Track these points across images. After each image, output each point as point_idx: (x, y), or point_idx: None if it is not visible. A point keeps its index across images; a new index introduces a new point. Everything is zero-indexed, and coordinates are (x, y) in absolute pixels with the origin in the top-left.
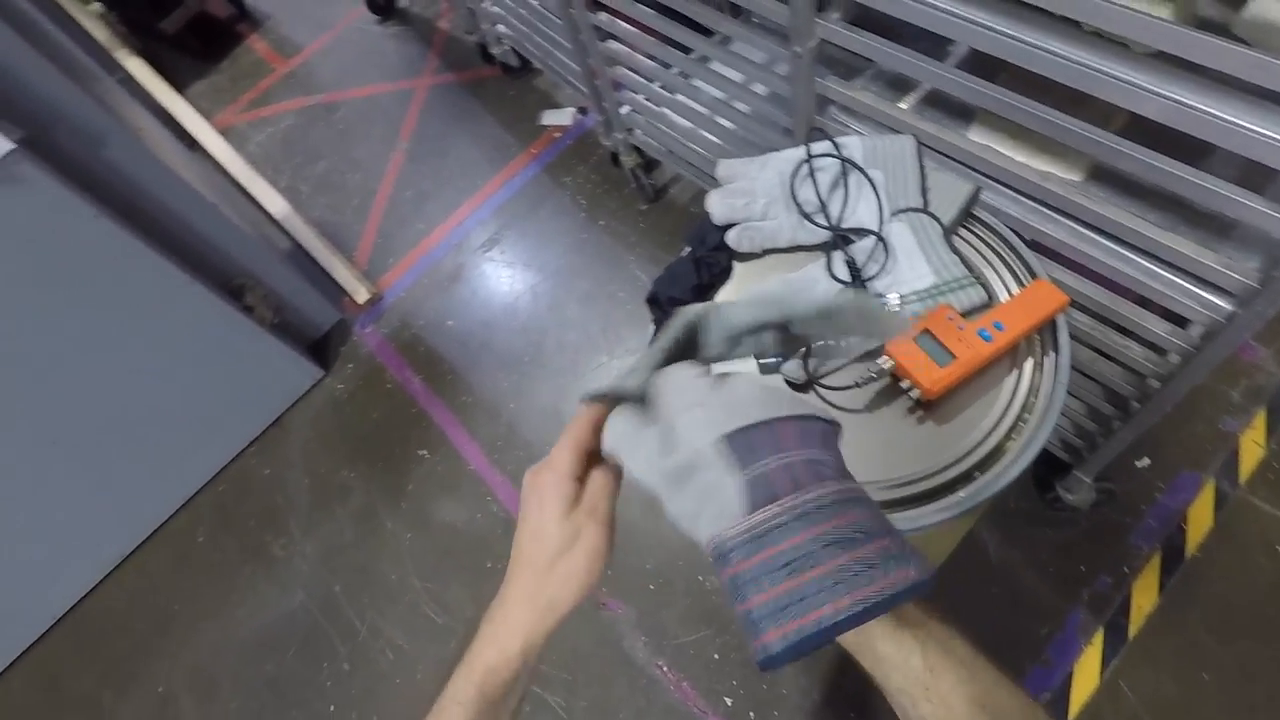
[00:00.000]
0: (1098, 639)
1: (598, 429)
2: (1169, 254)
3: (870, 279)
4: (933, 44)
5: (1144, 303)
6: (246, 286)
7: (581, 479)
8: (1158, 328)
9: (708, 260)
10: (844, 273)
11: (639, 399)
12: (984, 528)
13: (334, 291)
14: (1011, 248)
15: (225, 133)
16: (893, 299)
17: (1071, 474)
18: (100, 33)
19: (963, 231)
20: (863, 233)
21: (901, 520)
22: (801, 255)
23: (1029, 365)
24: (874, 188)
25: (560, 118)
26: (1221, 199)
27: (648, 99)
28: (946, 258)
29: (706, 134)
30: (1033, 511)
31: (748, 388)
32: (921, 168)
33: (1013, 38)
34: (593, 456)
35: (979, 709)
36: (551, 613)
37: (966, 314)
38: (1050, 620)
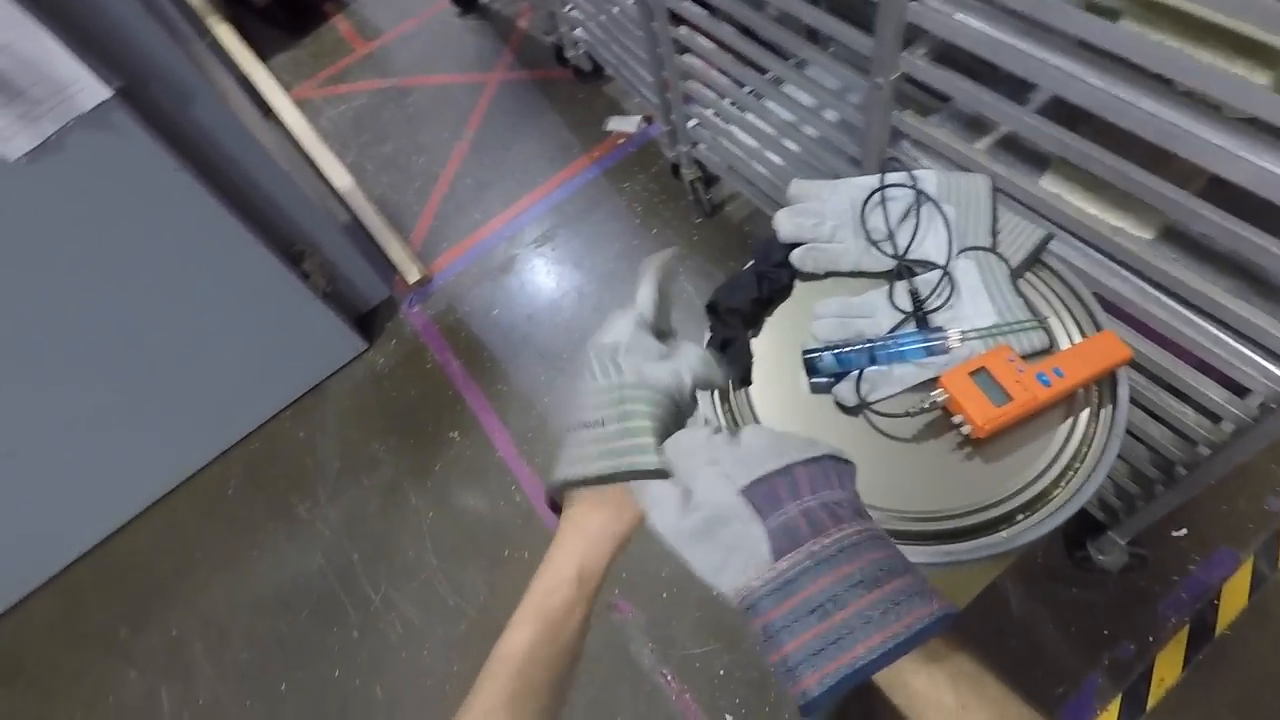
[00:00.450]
0: (1114, 706)
1: None
2: (1237, 321)
3: (932, 312)
4: (1015, 88)
5: (1204, 368)
6: (305, 253)
7: None
8: (1216, 395)
9: (770, 275)
10: (906, 303)
11: (659, 474)
12: (1008, 579)
13: (386, 268)
14: (1078, 296)
15: (300, 105)
16: (953, 334)
17: (1105, 535)
18: None
19: (1030, 276)
20: (928, 265)
21: (938, 554)
22: (863, 281)
23: (1084, 415)
24: (945, 222)
25: (626, 125)
26: None
27: (716, 115)
28: (1011, 299)
29: (771, 155)
30: (1060, 568)
31: (758, 439)
32: (994, 208)
33: (1103, 90)
34: None
35: None
36: (605, 541)
37: (1027, 357)
38: (1067, 681)
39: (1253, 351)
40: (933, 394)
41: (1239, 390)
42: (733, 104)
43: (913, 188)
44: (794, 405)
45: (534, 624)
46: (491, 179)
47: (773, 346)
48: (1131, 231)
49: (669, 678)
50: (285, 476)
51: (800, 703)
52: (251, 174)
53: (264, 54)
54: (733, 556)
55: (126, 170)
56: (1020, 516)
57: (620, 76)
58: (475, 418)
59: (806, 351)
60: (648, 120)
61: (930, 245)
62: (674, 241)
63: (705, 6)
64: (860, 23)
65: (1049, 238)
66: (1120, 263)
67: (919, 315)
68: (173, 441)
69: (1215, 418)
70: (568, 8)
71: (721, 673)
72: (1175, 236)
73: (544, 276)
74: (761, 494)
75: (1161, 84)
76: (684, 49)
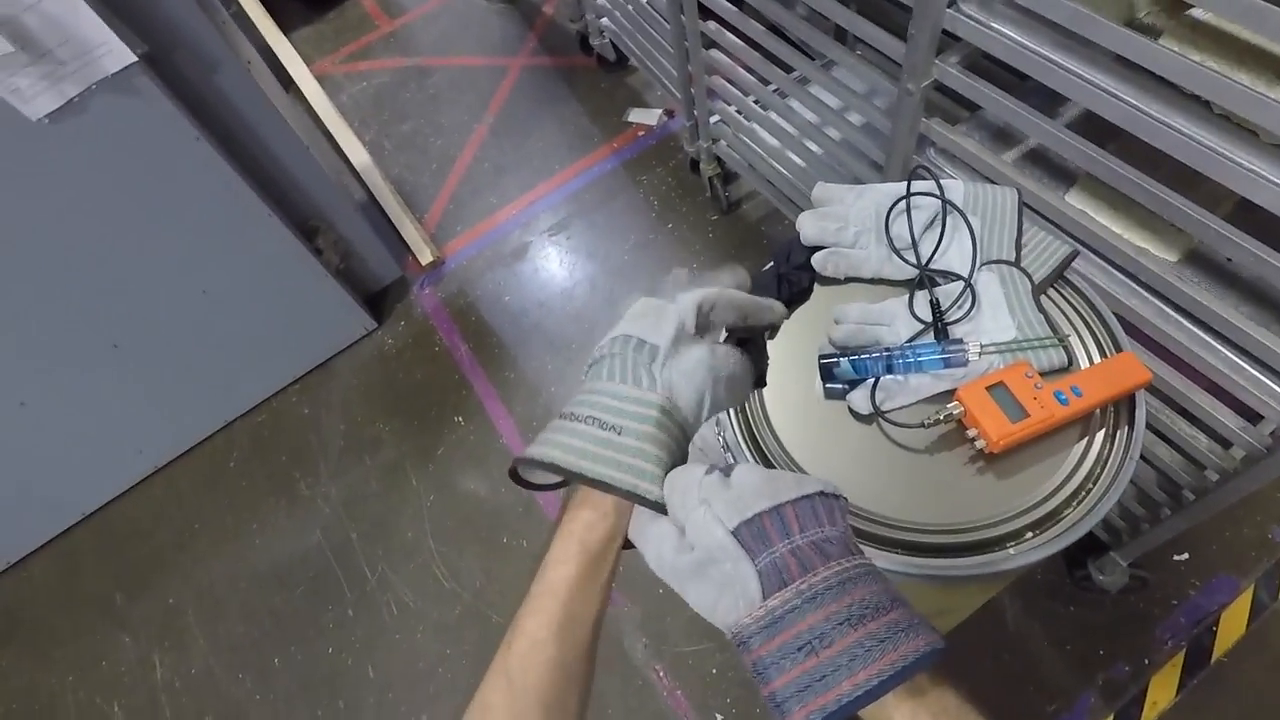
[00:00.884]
0: None
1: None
2: (1257, 348)
3: (952, 323)
4: (1046, 100)
5: (1218, 392)
6: (320, 229)
7: None
8: (1229, 420)
9: (790, 277)
10: (925, 313)
11: (658, 508)
12: (1006, 594)
13: (399, 249)
14: (1100, 316)
15: (321, 80)
16: (972, 347)
17: (1107, 555)
18: None
19: (1052, 293)
20: (950, 276)
21: (943, 568)
22: (884, 288)
23: (1100, 436)
24: (970, 234)
25: (647, 117)
26: None
27: (739, 111)
28: (1032, 315)
29: (793, 156)
30: (1058, 586)
31: (750, 478)
32: (1020, 222)
33: (1138, 108)
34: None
35: None
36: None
37: (1045, 374)
38: (1060, 699)
39: (1270, 379)
40: (948, 406)
41: (1252, 417)
42: (757, 102)
43: (940, 197)
44: (807, 410)
45: (578, 559)
46: (509, 164)
47: (789, 349)
48: (1156, 253)
49: (661, 674)
50: (288, 451)
51: None
52: (270, 147)
53: (288, 27)
54: (725, 594)
55: (146, 136)
56: (1029, 534)
57: (644, 68)
58: (480, 403)
59: (823, 356)
60: (669, 114)
61: (953, 256)
62: (689, 238)
63: (735, 2)
64: (891, 26)
65: (1073, 255)
66: (1142, 283)
67: (938, 326)
68: (178, 409)
69: (1226, 443)
70: None
71: (714, 672)
72: (1199, 260)
73: (557, 265)
74: (752, 534)
75: (1198, 104)
76: (711, 44)
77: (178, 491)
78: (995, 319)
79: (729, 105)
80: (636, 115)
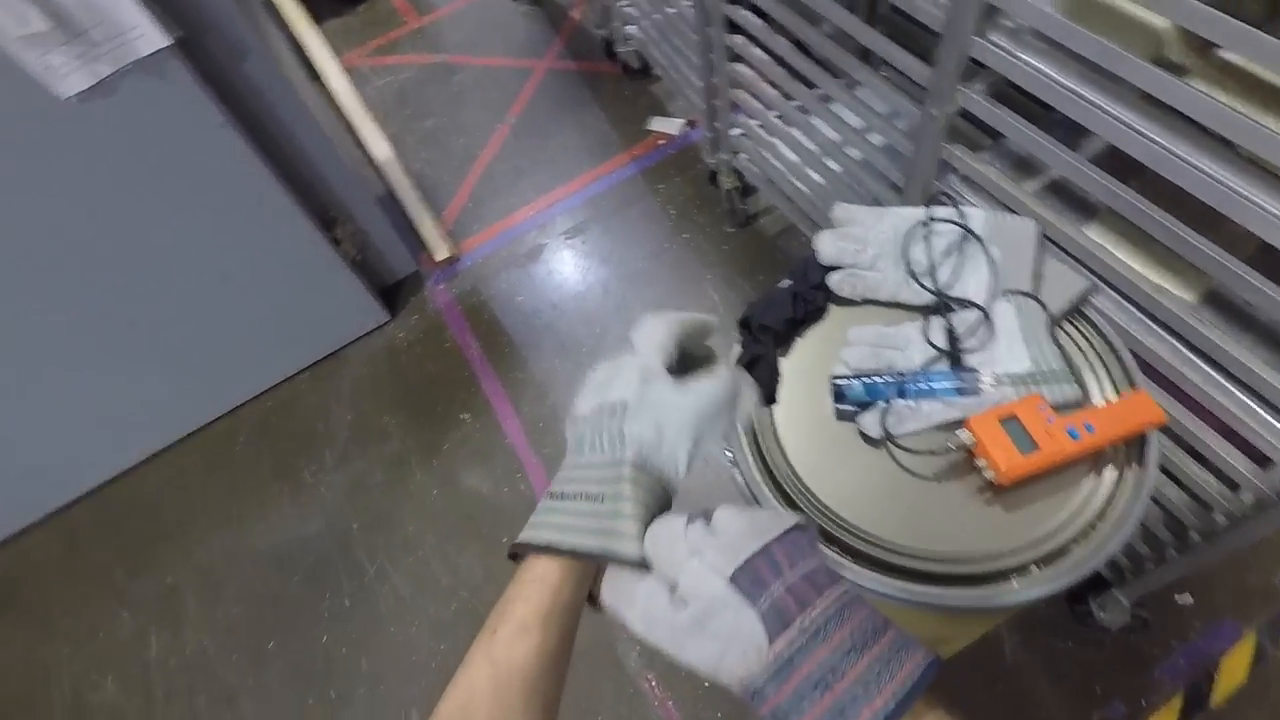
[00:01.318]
0: None
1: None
2: (1272, 393)
3: (967, 352)
4: (1070, 133)
5: (1230, 435)
6: (339, 220)
7: None
8: (1240, 464)
9: (806, 296)
10: (941, 340)
11: (639, 565)
12: (1005, 626)
13: (415, 244)
14: (1115, 353)
15: (348, 73)
16: (986, 377)
17: (1109, 592)
18: None
19: (1068, 326)
20: (967, 305)
21: (946, 597)
22: (899, 312)
23: (1109, 473)
24: (989, 263)
25: (668, 126)
26: None
27: (761, 126)
28: (1047, 348)
29: (812, 173)
30: (1058, 621)
31: (734, 522)
32: (1039, 254)
33: (1163, 146)
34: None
35: None
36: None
37: (1058, 408)
38: None
39: None
40: (959, 435)
41: (1263, 462)
42: (779, 117)
43: (960, 225)
44: (817, 430)
45: (562, 559)
46: (528, 166)
47: (801, 368)
48: (1174, 292)
49: (653, 683)
50: (294, 438)
51: None
52: (295, 136)
53: (318, 18)
54: (731, 647)
55: (173, 119)
56: (1034, 569)
57: (668, 77)
58: (488, 401)
59: (835, 377)
60: (690, 124)
61: (970, 284)
62: (704, 249)
63: (762, 17)
64: (917, 50)
65: (1091, 289)
66: (1159, 322)
67: (953, 354)
68: (187, 390)
69: (1235, 486)
70: (622, 3)
71: (706, 685)
72: (1218, 301)
73: (571, 268)
74: (748, 579)
75: (1224, 145)
76: (736, 57)
77: (183, 471)
78: (1010, 350)
79: (751, 119)
80: (658, 124)
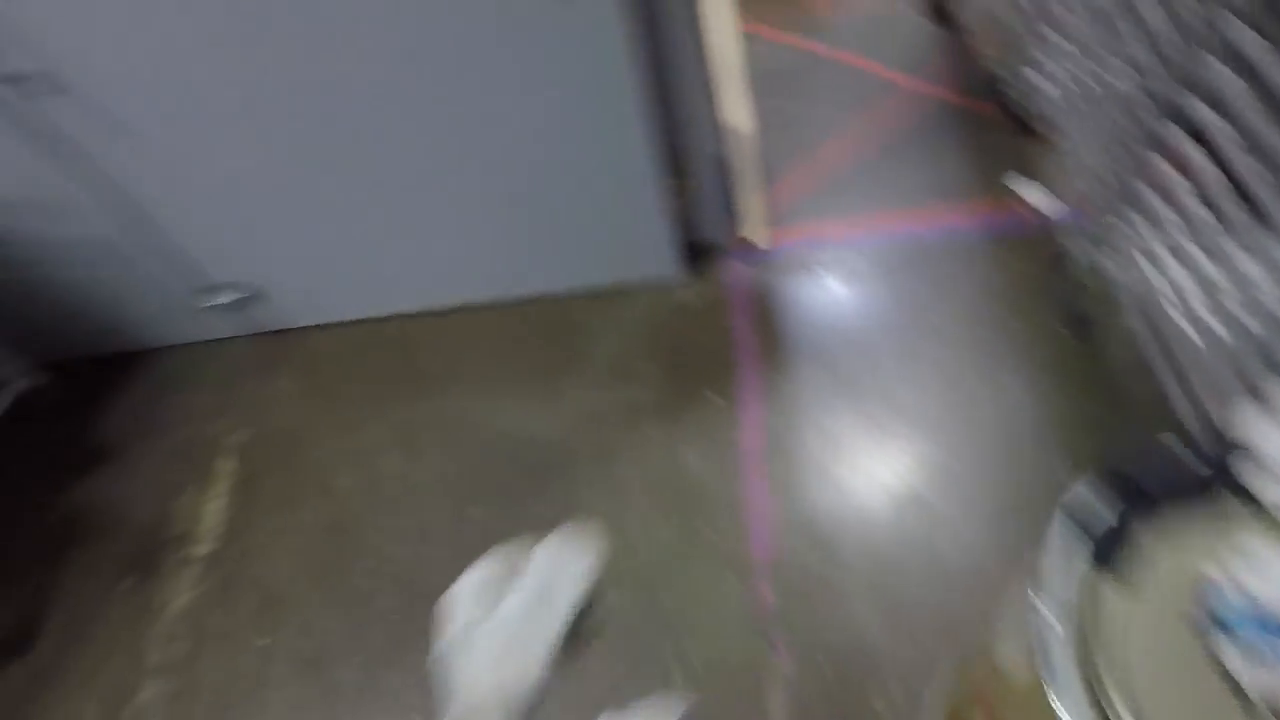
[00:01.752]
0: None
1: None
2: None
3: None
4: None
5: None
6: (684, 171)
7: None
8: None
9: (1149, 493)
10: None
11: None
12: None
13: (732, 217)
14: None
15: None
16: None
17: None
18: None
19: None
20: None
21: None
22: None
23: None
24: None
25: (1036, 195)
26: None
27: (1161, 240)
28: None
29: (1209, 317)
30: None
31: None
32: None
33: None
34: None
35: None
36: None
37: None
38: None
39: None
40: None
41: None
42: (1190, 234)
43: None
44: (1178, 657)
45: None
46: (867, 181)
47: (1165, 563)
48: None
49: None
50: (568, 350)
51: None
52: (681, 71)
53: None
54: None
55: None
56: None
57: (1062, 144)
58: (738, 392)
59: (1215, 599)
60: (1063, 202)
61: None
62: (1023, 342)
63: (1227, 118)
64: None
65: None
66: None
67: None
68: (492, 262)
69: None
70: (1041, 53)
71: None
72: None
73: (873, 304)
74: None
75: None
76: (1161, 148)
77: (473, 333)
78: None
79: (1149, 222)
80: (1024, 188)
